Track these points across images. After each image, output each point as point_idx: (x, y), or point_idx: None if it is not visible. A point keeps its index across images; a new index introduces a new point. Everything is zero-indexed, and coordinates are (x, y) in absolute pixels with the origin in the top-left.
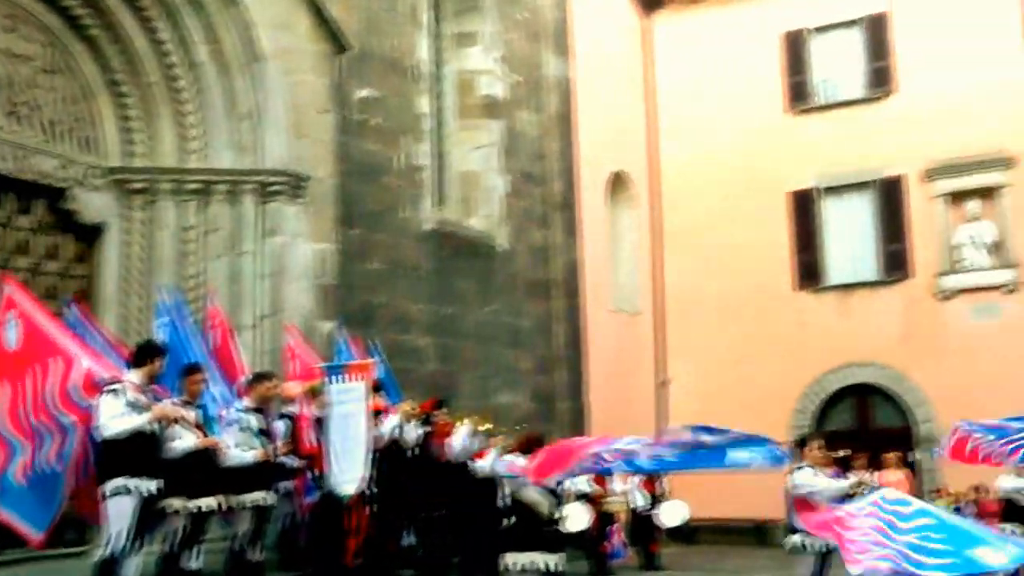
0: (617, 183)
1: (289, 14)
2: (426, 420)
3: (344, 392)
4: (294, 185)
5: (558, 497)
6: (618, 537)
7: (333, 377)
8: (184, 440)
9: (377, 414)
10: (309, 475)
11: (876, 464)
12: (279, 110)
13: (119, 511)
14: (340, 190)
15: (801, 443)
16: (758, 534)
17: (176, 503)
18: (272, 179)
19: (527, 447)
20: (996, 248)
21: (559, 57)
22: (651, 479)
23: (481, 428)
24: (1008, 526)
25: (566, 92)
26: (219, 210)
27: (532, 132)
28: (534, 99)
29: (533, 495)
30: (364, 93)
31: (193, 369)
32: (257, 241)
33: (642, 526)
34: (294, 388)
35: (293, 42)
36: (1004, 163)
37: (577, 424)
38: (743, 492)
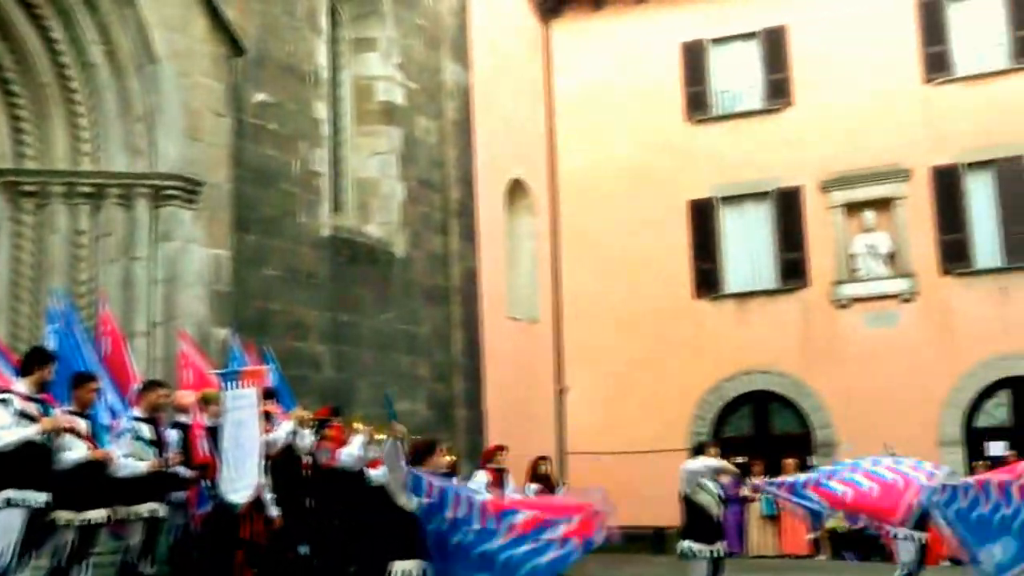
0: (516, 190)
1: (185, 16)
2: (320, 427)
3: (237, 398)
4: (189, 190)
5: None
6: None
7: (227, 383)
8: (74, 451)
9: (268, 417)
10: (202, 485)
11: (775, 470)
12: (174, 113)
13: (6, 525)
14: (236, 195)
15: (698, 450)
16: (656, 541)
17: (65, 516)
18: (167, 183)
19: (415, 454)
20: (892, 258)
21: (458, 63)
22: (549, 487)
23: (377, 437)
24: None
25: (465, 98)
26: (112, 214)
27: (430, 139)
28: (433, 105)
29: (411, 501)
30: (261, 97)
31: (86, 378)
32: (151, 246)
33: None
34: (187, 397)
35: (189, 44)
36: (900, 175)
37: (475, 432)
38: (642, 499)
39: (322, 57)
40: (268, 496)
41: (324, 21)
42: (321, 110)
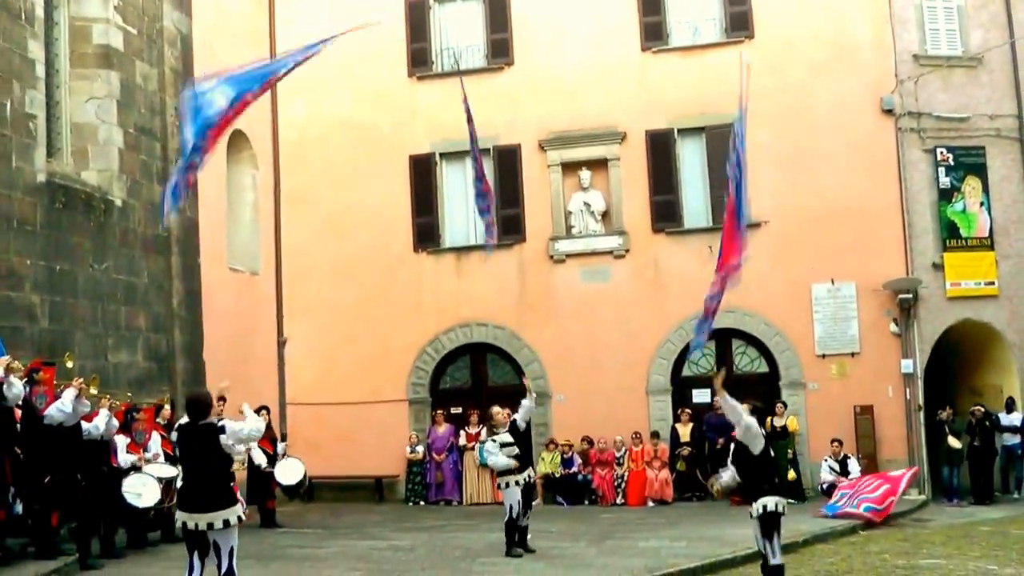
0: (237, 141)
1: None
2: (31, 378)
3: None
4: None
5: None
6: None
7: None
8: None
9: None
10: None
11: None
12: None
13: None
14: None
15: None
16: (377, 489)
17: None
18: None
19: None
20: (606, 216)
21: (178, 10)
22: (270, 437)
23: (91, 391)
24: None
25: (185, 46)
26: None
27: (150, 86)
28: (152, 52)
29: None
30: None
31: None
32: None
33: (259, 483)
34: None
35: None
36: (615, 137)
37: (195, 384)
38: (362, 449)
39: None
40: None
41: None
42: (36, 50)
